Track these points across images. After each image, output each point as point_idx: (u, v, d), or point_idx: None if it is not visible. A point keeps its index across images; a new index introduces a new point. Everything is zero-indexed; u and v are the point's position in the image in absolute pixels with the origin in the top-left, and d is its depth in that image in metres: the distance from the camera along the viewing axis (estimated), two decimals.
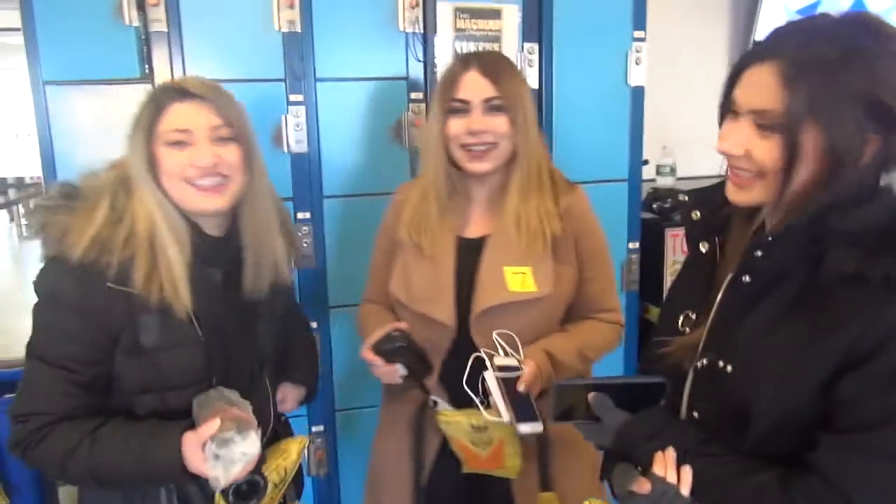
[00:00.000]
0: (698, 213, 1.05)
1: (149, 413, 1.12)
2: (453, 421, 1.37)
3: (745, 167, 0.88)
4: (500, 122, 1.31)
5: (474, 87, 1.32)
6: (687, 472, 0.91)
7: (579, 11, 2.03)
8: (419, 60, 1.95)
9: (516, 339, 1.27)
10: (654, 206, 2.38)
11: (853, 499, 0.81)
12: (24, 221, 7.45)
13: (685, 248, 2.36)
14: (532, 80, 2.01)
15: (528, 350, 1.29)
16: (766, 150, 0.85)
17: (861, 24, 0.83)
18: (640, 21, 2.08)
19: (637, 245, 2.19)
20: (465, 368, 1.26)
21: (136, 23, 1.73)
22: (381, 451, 1.54)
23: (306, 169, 1.92)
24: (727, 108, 0.90)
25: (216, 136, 1.11)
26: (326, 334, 2.01)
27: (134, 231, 1.08)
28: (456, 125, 1.33)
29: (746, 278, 0.92)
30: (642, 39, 2.09)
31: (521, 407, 1.18)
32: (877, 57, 0.80)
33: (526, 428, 1.15)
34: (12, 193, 8.00)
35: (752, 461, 0.89)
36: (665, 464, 0.92)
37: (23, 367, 1.11)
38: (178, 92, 1.11)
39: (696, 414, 1.00)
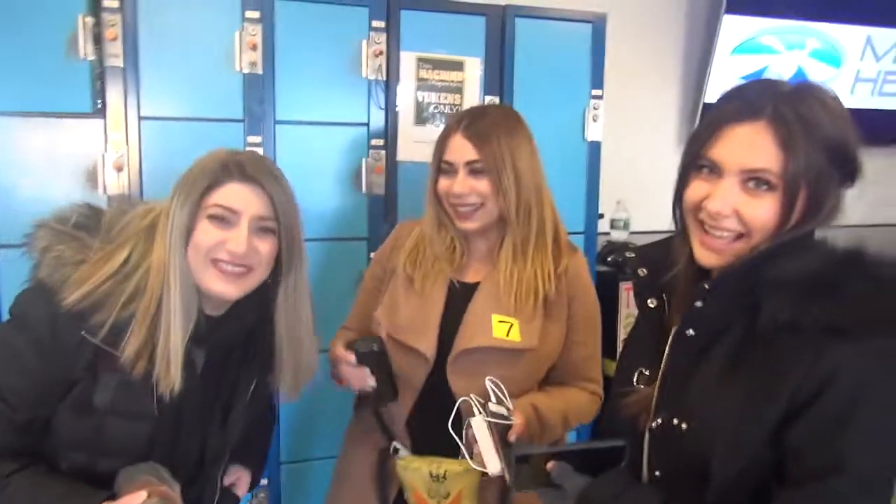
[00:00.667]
0: (644, 271, 1.05)
1: (72, 471, 1.04)
2: (412, 467, 1.33)
3: (729, 227, 0.88)
4: (481, 185, 1.32)
5: (458, 149, 1.33)
6: None
7: (540, 67, 2.08)
8: (381, 108, 1.96)
9: (503, 388, 1.24)
10: (609, 258, 2.41)
11: None
12: None
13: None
14: None
15: (517, 403, 1.26)
16: (756, 209, 0.85)
17: (815, 88, 0.88)
18: (597, 79, 2.14)
19: None
20: (436, 415, 1.23)
21: (91, 57, 1.69)
22: (343, 501, 1.49)
23: None
24: (693, 166, 0.90)
25: (259, 226, 1.07)
26: None
27: (140, 291, 1.03)
28: (444, 185, 1.35)
29: (690, 332, 0.92)
30: (600, 97, 2.15)
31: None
32: (839, 112, 0.86)
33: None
34: None
35: None
36: None
37: None
38: (238, 170, 1.06)
39: (657, 473, 0.98)
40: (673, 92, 2.87)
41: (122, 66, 1.73)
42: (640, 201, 2.64)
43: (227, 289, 1.06)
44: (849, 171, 0.87)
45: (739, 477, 0.86)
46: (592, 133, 2.16)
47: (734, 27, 2.68)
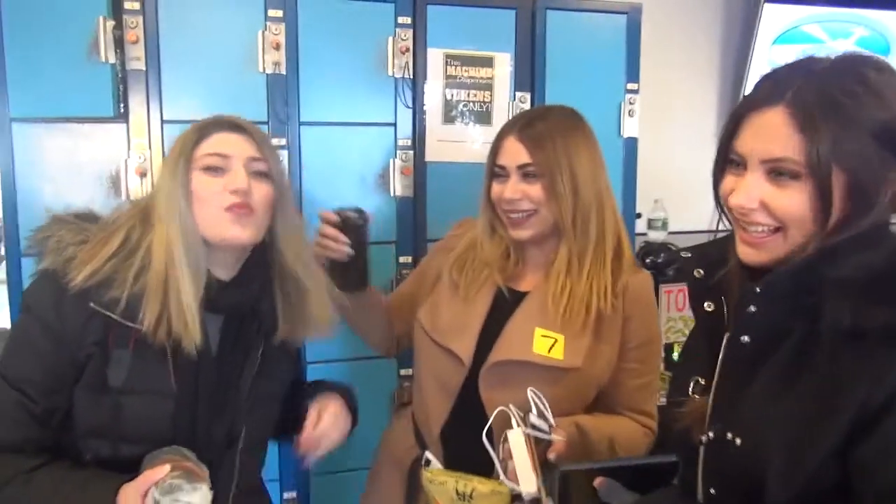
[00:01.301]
0: (701, 272, 0.98)
1: (97, 461, 1.04)
2: (438, 481, 1.25)
3: (760, 221, 0.82)
4: (534, 190, 1.25)
5: (511, 152, 1.27)
6: None
7: (572, 61, 2.01)
8: (408, 107, 1.90)
9: (546, 402, 1.15)
10: (647, 260, 2.32)
11: None
12: None
13: (679, 305, 2.34)
14: None
15: (559, 420, 1.17)
16: (785, 200, 0.79)
17: (858, 61, 0.80)
18: (633, 72, 2.06)
19: None
20: (471, 426, 1.16)
21: (112, 60, 1.66)
22: None
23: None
24: (726, 161, 0.85)
25: (252, 168, 1.10)
26: None
27: (146, 267, 1.04)
28: (497, 190, 1.29)
29: (745, 338, 0.86)
30: (635, 91, 2.06)
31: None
32: (884, 87, 0.77)
33: None
34: None
35: None
36: None
37: None
38: (219, 123, 1.12)
39: (712, 490, 0.92)
40: (711, 85, 2.76)
41: (143, 69, 1.70)
42: (678, 200, 2.54)
43: (239, 231, 1.08)
44: None
45: (800, 496, 0.79)
46: (629, 129, 2.07)
47: (775, 15, 2.57)
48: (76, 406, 1.04)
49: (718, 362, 0.92)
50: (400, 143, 1.90)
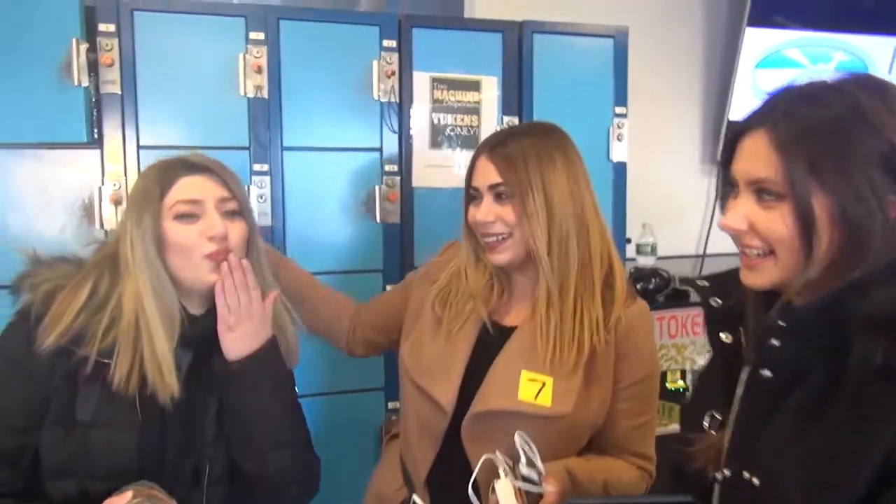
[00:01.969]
0: (718, 301, 0.95)
1: (65, 502, 1.02)
2: None
3: (751, 244, 0.81)
4: (506, 212, 1.17)
5: (482, 172, 1.20)
6: None
7: (560, 85, 1.98)
8: (394, 132, 1.85)
9: (535, 448, 1.06)
10: (638, 286, 2.28)
11: None
12: None
13: (672, 332, 2.31)
14: None
15: (549, 467, 1.08)
16: (770, 221, 0.78)
17: (861, 84, 0.78)
18: (621, 96, 2.04)
19: None
20: (457, 473, 1.09)
21: (85, 83, 1.59)
22: None
23: (269, 243, 1.76)
24: (728, 186, 0.85)
25: (224, 209, 1.10)
26: None
27: (116, 319, 1.05)
28: (472, 213, 1.22)
29: (766, 373, 0.82)
30: (624, 115, 2.04)
31: None
32: (888, 113, 0.74)
33: None
34: None
35: None
36: None
37: None
38: (183, 165, 1.10)
39: None
40: (695, 109, 2.76)
41: (119, 92, 1.64)
42: (664, 224, 2.52)
43: (218, 277, 1.08)
44: None
45: None
46: (618, 153, 2.04)
47: (757, 40, 2.58)
48: (43, 445, 1.02)
49: (736, 396, 0.88)
50: (386, 168, 1.85)
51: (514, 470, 1.03)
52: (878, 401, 0.71)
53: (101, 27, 1.61)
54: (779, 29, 2.58)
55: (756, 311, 0.89)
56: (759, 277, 0.82)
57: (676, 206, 2.74)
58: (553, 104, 1.97)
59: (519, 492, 1.00)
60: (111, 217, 1.63)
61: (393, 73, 1.82)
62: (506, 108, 1.94)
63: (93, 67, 1.61)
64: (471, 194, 1.23)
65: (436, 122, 1.88)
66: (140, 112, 1.66)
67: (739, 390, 0.88)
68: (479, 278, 1.24)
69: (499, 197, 1.18)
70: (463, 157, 1.91)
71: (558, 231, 1.15)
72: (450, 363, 1.21)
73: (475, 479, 1.04)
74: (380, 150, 1.85)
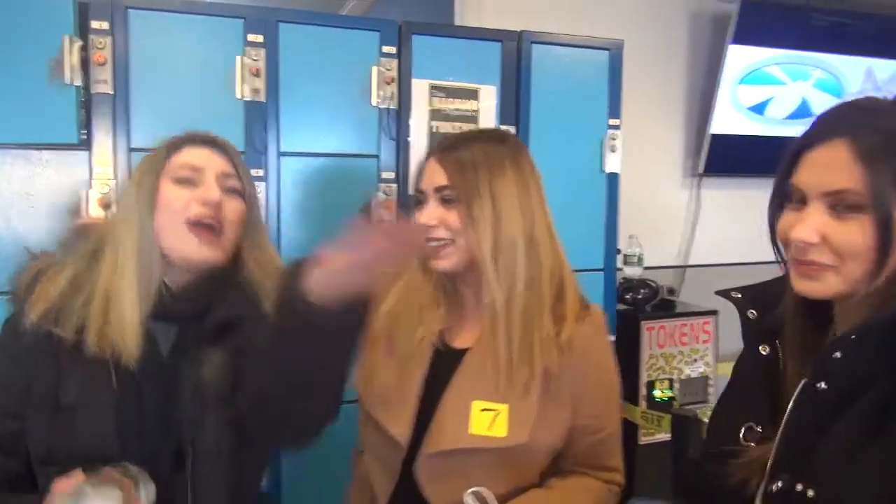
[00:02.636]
0: (754, 312, 0.94)
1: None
2: None
3: (818, 259, 0.79)
4: (451, 216, 1.10)
5: (429, 175, 1.13)
6: None
7: (556, 95, 1.99)
8: (392, 139, 1.83)
9: (492, 499, 1.01)
10: (628, 296, 2.29)
11: None
12: None
13: (661, 341, 2.32)
14: None
15: None
16: (847, 233, 0.77)
17: None
18: (615, 108, 2.05)
19: (613, 338, 2.06)
20: None
21: (77, 82, 1.53)
22: None
23: None
24: (785, 198, 0.83)
25: (225, 184, 1.07)
26: None
27: (93, 294, 1.03)
28: (416, 217, 1.14)
29: (822, 385, 0.81)
30: (617, 127, 2.06)
31: None
32: None
33: None
34: None
35: None
36: None
37: None
38: (193, 138, 1.10)
39: None
40: (678, 123, 2.81)
41: (111, 92, 1.58)
42: (650, 235, 2.55)
43: (203, 252, 1.05)
44: None
45: None
46: (611, 164, 2.06)
47: (740, 57, 2.63)
48: (30, 430, 1.02)
49: (788, 409, 0.87)
50: (383, 175, 1.83)
51: None
52: None
53: (94, 24, 1.55)
54: (759, 47, 2.64)
55: (796, 322, 0.88)
56: (819, 287, 0.80)
57: (660, 217, 2.77)
58: (549, 114, 1.98)
59: None
60: None
61: (392, 80, 1.80)
62: (503, 117, 1.93)
63: (84, 66, 1.55)
64: (417, 198, 1.16)
65: (434, 129, 1.87)
66: (132, 113, 1.61)
67: (791, 404, 0.86)
68: (426, 286, 1.18)
69: (445, 201, 1.11)
70: None
71: (504, 241, 1.09)
72: (403, 392, 1.14)
73: None
74: (377, 156, 1.82)
